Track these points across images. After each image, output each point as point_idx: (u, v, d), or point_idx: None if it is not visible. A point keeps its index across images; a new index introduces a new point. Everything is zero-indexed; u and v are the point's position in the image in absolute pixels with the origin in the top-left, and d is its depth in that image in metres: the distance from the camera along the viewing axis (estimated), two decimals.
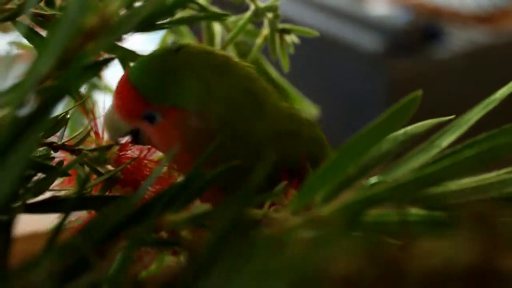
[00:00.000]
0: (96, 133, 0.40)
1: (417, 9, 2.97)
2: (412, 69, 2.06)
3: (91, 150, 0.38)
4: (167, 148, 0.38)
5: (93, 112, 0.40)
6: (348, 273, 0.17)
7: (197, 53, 0.38)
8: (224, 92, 0.37)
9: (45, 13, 0.37)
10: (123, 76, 0.38)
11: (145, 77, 0.37)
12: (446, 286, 0.17)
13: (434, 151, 0.30)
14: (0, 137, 0.22)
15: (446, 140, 0.30)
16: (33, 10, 0.37)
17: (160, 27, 0.31)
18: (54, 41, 0.21)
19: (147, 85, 0.37)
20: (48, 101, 0.22)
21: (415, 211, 0.28)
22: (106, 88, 0.58)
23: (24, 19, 0.36)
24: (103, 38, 0.22)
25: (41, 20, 0.37)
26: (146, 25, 0.25)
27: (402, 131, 0.32)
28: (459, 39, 2.31)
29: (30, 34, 0.36)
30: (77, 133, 0.39)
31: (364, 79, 2.08)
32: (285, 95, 0.60)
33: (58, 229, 0.27)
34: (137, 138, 0.39)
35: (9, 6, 0.36)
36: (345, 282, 0.16)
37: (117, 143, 0.39)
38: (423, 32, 2.17)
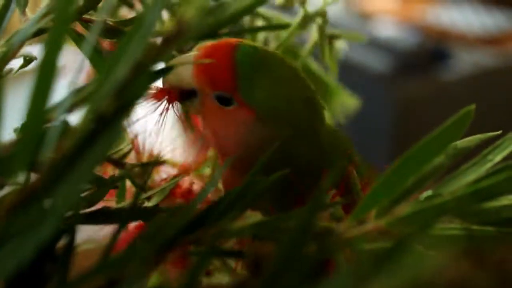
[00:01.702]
0: (137, 150, 0.39)
1: (424, 31, 2.99)
2: (420, 90, 2.07)
3: (135, 166, 0.38)
4: (216, 135, 0.38)
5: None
6: (460, 278, 0.17)
7: (280, 61, 0.38)
8: (296, 108, 0.38)
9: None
10: (231, 46, 0.36)
11: (248, 65, 0.36)
12: None
13: (487, 166, 0.30)
14: (73, 143, 0.22)
15: (499, 154, 0.30)
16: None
17: (221, 35, 0.31)
18: (132, 47, 0.21)
19: (248, 73, 0.36)
20: (122, 107, 0.22)
21: (470, 226, 0.28)
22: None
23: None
24: (176, 44, 0.22)
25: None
26: (208, 33, 0.26)
27: (452, 145, 0.32)
28: (465, 61, 2.32)
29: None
30: (120, 147, 0.39)
31: (372, 100, 2.08)
32: (326, 88, 0.60)
33: (115, 238, 0.27)
34: (185, 99, 0.37)
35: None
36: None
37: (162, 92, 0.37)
38: (431, 54, 2.19)
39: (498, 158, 0.30)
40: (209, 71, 0.36)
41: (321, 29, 0.48)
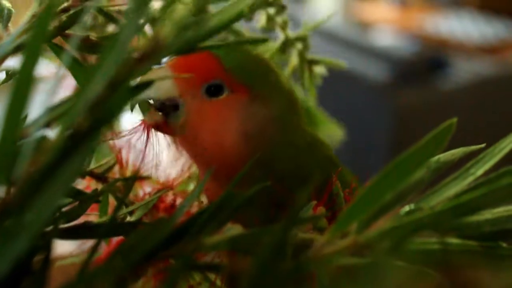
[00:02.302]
0: (121, 164, 0.39)
1: (423, 40, 3.00)
2: (418, 99, 2.07)
3: (118, 180, 0.38)
4: (212, 131, 0.37)
5: (116, 142, 0.40)
6: None
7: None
8: (286, 90, 0.39)
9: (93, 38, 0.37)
10: (205, 51, 0.36)
11: (228, 52, 0.37)
12: None
13: (469, 180, 0.30)
14: (47, 159, 0.22)
15: (481, 168, 0.30)
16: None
17: (199, 50, 0.31)
18: (106, 64, 0.21)
19: (229, 57, 0.37)
20: (97, 124, 0.22)
21: (451, 240, 0.28)
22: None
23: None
24: (151, 61, 0.22)
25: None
26: (186, 48, 0.26)
27: (435, 158, 0.32)
28: (464, 70, 2.32)
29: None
30: (103, 161, 0.39)
31: (371, 108, 2.08)
32: (311, 117, 0.59)
33: (93, 253, 0.27)
34: (170, 114, 0.37)
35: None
36: None
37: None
38: (429, 62, 2.19)
39: (480, 172, 0.30)
40: (193, 68, 0.36)
41: (301, 54, 0.48)
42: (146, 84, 0.25)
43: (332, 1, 4.11)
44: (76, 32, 0.34)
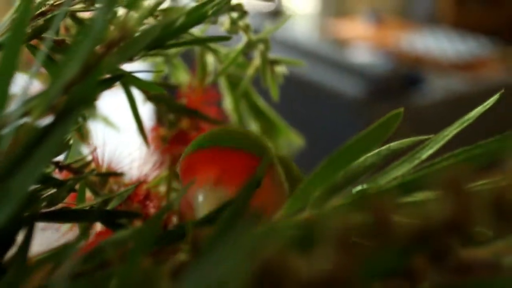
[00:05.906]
0: (97, 162, 0.42)
1: (398, 57, 3.05)
2: None
3: (95, 174, 0.40)
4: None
5: (91, 140, 0.43)
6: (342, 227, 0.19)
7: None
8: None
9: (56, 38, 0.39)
10: (198, 155, 0.36)
11: (238, 138, 0.37)
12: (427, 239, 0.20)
13: (415, 163, 0.33)
14: (19, 144, 0.24)
15: (426, 153, 0.33)
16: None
17: (169, 47, 0.33)
18: (79, 50, 0.23)
19: (242, 142, 0.37)
20: (67, 111, 0.24)
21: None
22: (103, 119, 0.60)
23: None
24: (122, 51, 0.24)
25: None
26: (156, 44, 0.28)
27: (386, 146, 0.35)
28: (438, 86, 2.37)
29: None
30: (81, 157, 0.42)
31: (345, 124, 2.12)
32: (271, 125, 0.62)
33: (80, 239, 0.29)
34: None
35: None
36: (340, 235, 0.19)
37: None
38: (404, 79, 2.23)
39: (425, 156, 0.33)
40: (234, 170, 0.36)
41: (263, 55, 0.51)
42: (114, 78, 0.27)
43: (308, 19, 4.16)
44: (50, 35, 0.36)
